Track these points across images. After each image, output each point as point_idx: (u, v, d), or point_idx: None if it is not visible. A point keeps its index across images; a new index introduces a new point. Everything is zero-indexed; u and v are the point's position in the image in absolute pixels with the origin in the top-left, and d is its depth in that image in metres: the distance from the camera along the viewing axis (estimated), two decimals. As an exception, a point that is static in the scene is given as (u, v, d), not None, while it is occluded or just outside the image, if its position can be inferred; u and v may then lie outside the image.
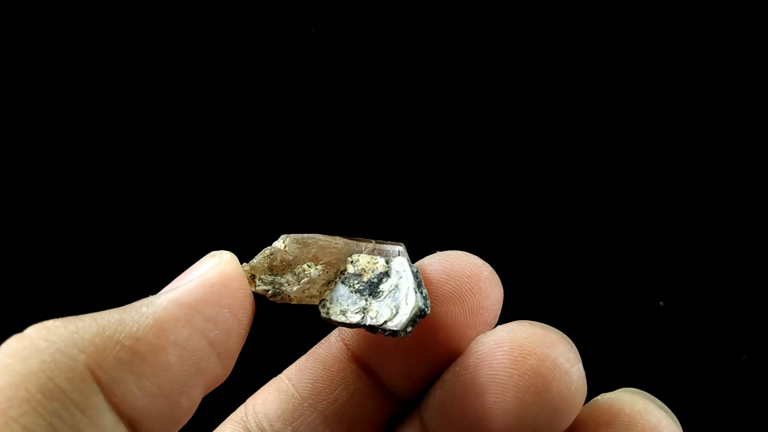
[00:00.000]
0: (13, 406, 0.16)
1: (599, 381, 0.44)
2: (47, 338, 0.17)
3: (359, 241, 0.23)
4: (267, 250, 0.22)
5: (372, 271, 0.22)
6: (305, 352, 0.24)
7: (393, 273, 0.22)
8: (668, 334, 0.44)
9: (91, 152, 0.47)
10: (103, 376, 0.17)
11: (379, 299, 0.22)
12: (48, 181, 0.46)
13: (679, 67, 0.48)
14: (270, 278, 0.22)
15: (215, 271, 0.20)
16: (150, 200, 0.47)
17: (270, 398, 0.23)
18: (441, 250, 0.23)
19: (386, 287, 0.22)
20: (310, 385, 0.23)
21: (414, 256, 0.23)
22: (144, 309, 0.19)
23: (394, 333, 0.21)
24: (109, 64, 0.48)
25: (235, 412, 0.24)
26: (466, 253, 0.23)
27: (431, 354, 0.22)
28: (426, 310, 0.21)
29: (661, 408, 0.20)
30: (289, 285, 0.22)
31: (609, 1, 0.48)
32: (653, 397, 0.20)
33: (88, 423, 0.17)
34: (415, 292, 0.21)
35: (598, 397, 0.21)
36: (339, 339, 0.23)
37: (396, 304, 0.21)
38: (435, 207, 0.47)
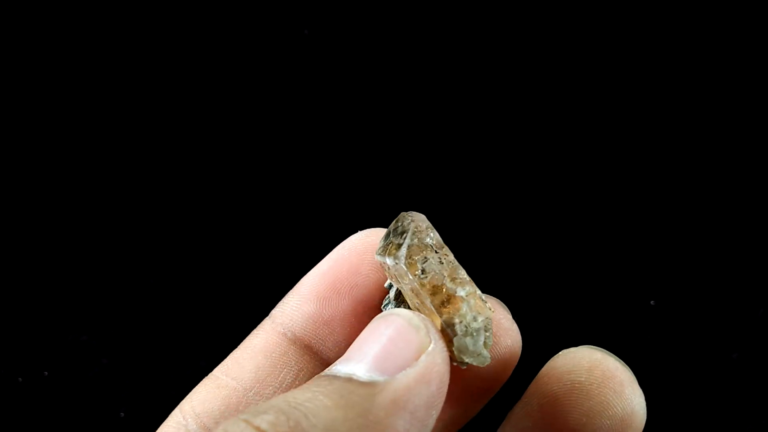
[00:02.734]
0: None
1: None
2: None
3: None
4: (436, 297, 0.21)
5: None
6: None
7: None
8: (659, 333, 0.44)
9: (88, 151, 0.47)
10: None
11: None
12: (59, 188, 0.47)
13: (666, 65, 0.48)
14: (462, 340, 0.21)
15: (432, 364, 0.19)
16: (143, 202, 0.47)
17: (209, 397, 0.23)
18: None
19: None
20: (253, 375, 0.23)
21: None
22: None
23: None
24: (105, 64, 0.48)
25: (169, 418, 0.23)
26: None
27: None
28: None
29: (617, 359, 0.22)
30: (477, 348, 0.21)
31: (609, 1, 0.48)
32: (609, 352, 0.23)
33: None
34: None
35: (561, 352, 0.23)
36: (273, 326, 0.24)
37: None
38: (428, 205, 0.47)
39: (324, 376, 0.19)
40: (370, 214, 0.46)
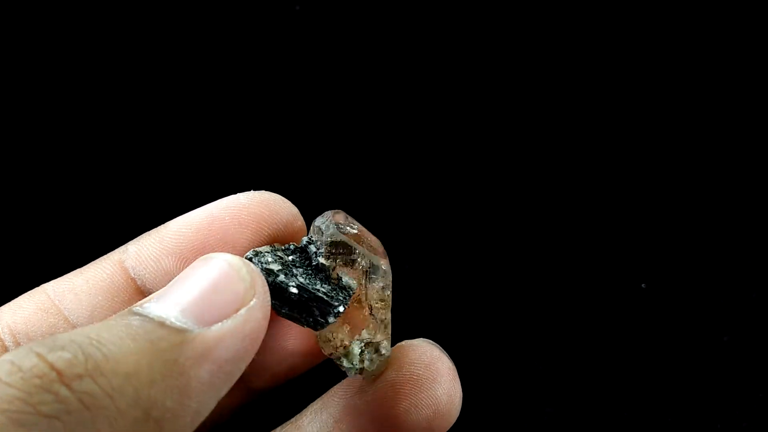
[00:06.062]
0: None
1: (581, 360, 0.44)
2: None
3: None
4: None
5: None
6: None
7: None
8: (650, 316, 0.44)
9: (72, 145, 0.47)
10: None
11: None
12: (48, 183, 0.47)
13: (644, 66, 0.48)
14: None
15: (250, 319, 0.19)
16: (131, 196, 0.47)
17: (35, 319, 0.22)
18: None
19: None
20: (88, 314, 0.22)
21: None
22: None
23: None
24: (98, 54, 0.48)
25: None
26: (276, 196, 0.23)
27: None
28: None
29: (448, 357, 0.24)
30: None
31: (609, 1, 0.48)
32: (442, 348, 0.25)
33: None
34: None
35: (403, 342, 0.25)
36: (123, 266, 0.22)
37: None
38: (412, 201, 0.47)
39: (135, 312, 0.18)
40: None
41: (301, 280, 0.22)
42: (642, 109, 0.47)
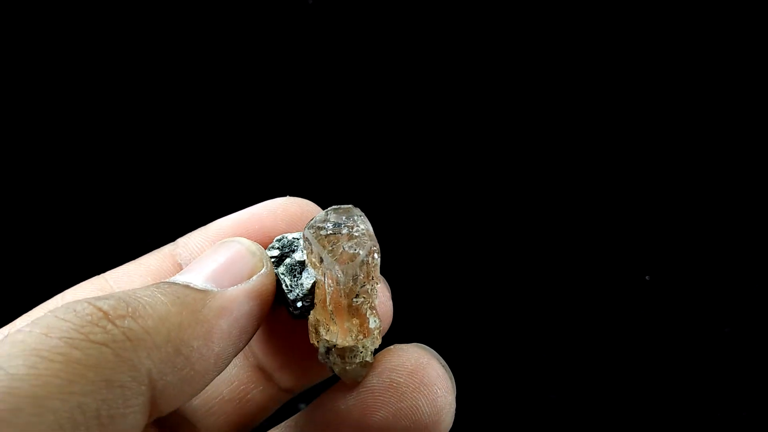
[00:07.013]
0: (78, 391, 0.17)
1: (584, 349, 0.44)
2: (116, 338, 0.18)
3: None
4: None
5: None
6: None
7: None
8: (653, 307, 0.44)
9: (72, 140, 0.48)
10: (158, 382, 0.19)
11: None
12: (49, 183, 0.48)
13: (634, 61, 0.47)
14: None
15: (261, 284, 0.22)
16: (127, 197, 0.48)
17: (91, 296, 0.23)
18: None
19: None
20: None
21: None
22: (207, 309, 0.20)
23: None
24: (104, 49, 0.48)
25: (47, 303, 0.24)
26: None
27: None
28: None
29: (442, 364, 0.23)
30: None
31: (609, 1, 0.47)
32: (437, 355, 0.23)
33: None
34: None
35: (392, 346, 0.24)
36: (173, 254, 0.25)
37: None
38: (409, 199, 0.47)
39: (164, 281, 0.21)
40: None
41: (281, 269, 0.24)
42: (644, 107, 0.47)
